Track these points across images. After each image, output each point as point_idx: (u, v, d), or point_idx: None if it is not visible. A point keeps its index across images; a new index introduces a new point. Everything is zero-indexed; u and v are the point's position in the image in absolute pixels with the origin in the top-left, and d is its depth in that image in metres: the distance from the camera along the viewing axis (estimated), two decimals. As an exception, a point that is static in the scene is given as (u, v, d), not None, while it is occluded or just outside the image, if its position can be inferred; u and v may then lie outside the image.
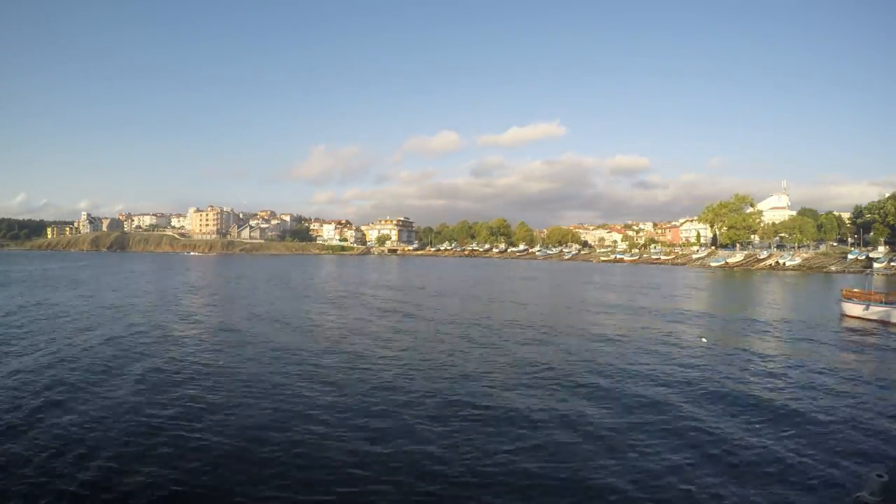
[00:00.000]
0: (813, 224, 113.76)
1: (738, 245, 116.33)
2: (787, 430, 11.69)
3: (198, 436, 10.94)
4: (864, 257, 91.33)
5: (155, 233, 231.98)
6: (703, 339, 22.57)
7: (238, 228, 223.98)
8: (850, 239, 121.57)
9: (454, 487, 8.93)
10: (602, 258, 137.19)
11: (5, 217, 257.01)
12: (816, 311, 33.91)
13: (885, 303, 29.39)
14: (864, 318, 29.44)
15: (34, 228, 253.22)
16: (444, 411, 12.70)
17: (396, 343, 21.58)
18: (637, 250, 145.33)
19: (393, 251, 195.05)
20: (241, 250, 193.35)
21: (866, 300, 30.50)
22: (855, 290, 33.16)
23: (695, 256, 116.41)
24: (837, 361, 18.99)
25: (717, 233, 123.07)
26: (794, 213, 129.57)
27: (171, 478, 9.13)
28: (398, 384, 15.03)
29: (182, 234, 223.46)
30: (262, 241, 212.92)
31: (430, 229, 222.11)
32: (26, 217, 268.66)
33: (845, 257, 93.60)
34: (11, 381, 14.88)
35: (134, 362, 17.49)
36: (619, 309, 34.08)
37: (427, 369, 16.89)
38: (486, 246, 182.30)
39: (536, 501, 8.52)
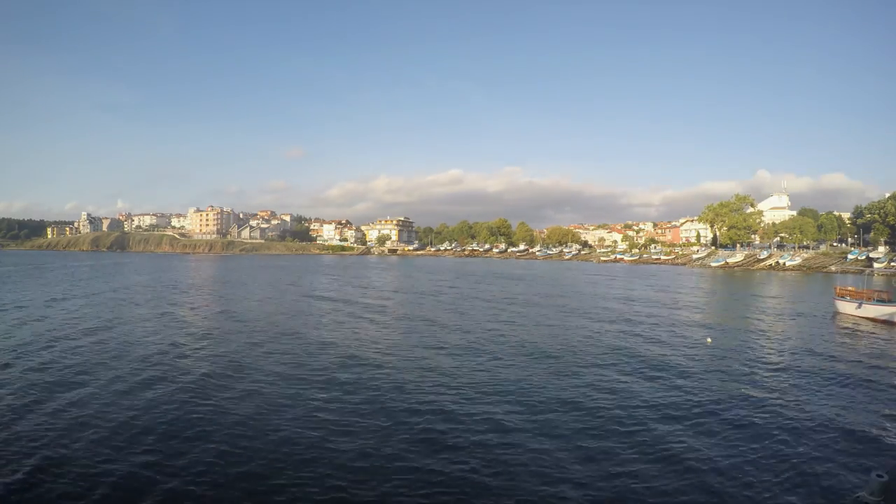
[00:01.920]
0: (813, 224, 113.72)
1: (738, 245, 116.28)
2: (785, 431, 11.68)
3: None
4: (864, 257, 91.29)
5: (155, 233, 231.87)
6: (708, 340, 22.61)
7: (238, 228, 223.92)
8: (850, 239, 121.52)
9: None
10: (602, 258, 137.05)
11: (5, 217, 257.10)
12: (812, 310, 33.93)
13: (878, 301, 29.41)
14: (857, 317, 29.60)
15: (34, 228, 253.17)
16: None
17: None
18: (637, 250, 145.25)
19: (393, 251, 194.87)
20: (241, 250, 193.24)
21: (859, 298, 30.59)
22: (848, 288, 33.17)
23: (695, 256, 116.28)
24: (831, 360, 18.99)
25: (718, 233, 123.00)
26: (794, 213, 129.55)
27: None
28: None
29: (182, 235, 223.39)
30: (262, 241, 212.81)
31: (431, 229, 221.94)
32: (26, 217, 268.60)
33: (845, 257, 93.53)
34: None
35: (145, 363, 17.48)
36: (618, 308, 34.08)
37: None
38: (486, 246, 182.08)
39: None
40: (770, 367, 18.07)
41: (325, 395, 13.95)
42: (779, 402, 13.89)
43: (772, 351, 20.90)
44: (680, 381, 15.84)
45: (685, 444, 10.84)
